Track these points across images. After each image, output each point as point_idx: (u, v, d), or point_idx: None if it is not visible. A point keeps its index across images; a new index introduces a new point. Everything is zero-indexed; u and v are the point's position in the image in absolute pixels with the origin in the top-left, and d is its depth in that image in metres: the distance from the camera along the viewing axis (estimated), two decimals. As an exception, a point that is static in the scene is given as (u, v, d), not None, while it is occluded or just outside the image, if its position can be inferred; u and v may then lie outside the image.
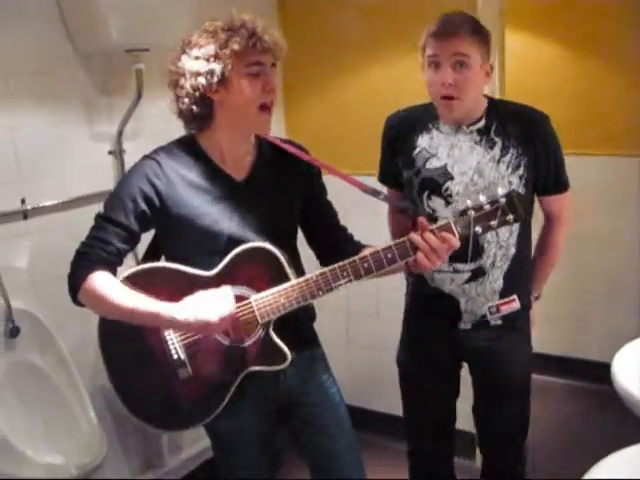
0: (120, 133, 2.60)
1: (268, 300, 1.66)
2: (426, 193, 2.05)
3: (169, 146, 1.76)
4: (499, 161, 1.98)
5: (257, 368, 1.71)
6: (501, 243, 2.03)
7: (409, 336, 2.26)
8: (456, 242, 1.62)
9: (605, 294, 3.80)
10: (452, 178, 2.01)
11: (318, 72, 3.28)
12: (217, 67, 1.61)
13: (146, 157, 1.73)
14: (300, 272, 1.79)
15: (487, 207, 1.62)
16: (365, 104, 3.17)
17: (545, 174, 2.02)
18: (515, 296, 2.07)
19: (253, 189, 1.76)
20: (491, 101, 2.05)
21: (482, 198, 1.63)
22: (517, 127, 1.98)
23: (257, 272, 1.69)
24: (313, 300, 1.68)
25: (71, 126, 2.49)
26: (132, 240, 1.70)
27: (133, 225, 1.67)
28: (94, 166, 2.55)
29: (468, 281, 2.05)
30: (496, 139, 1.99)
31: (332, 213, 1.94)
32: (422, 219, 1.66)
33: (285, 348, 1.69)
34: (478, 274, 2.04)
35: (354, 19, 3.13)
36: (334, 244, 1.88)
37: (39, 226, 2.36)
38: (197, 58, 1.63)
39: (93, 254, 1.64)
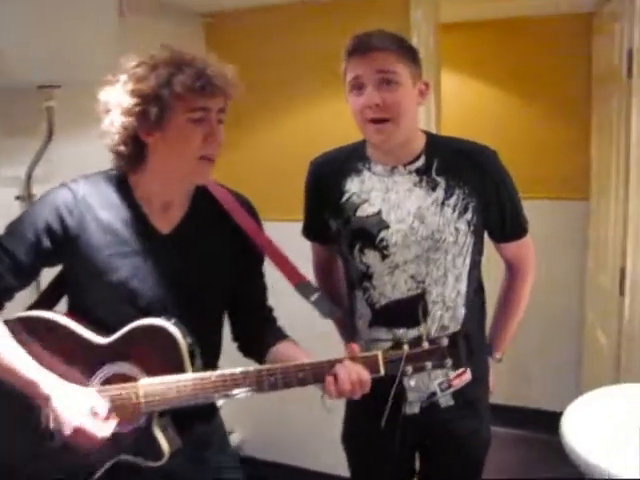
0: (29, 177, 2.40)
1: (156, 389, 1.43)
2: (358, 246, 1.77)
3: (94, 177, 1.54)
4: (443, 204, 1.72)
5: (129, 458, 1.48)
6: (448, 304, 1.76)
7: (349, 423, 1.98)
8: (366, 381, 1.42)
9: (545, 341, 3.74)
10: (388, 227, 1.74)
11: (247, 111, 3.12)
12: (153, 108, 1.41)
13: (63, 186, 1.51)
14: (214, 357, 1.63)
15: (425, 345, 1.44)
16: (295, 146, 3.05)
17: (499, 218, 1.78)
18: (467, 368, 1.78)
19: (177, 247, 1.55)
20: (430, 136, 1.81)
21: (421, 329, 1.47)
22: (462, 164, 1.74)
23: (153, 353, 1.46)
24: (206, 402, 1.46)
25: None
26: (28, 276, 1.50)
27: (31, 261, 1.46)
28: (1, 212, 2.29)
29: None
30: (438, 179, 1.73)
31: (260, 289, 1.71)
32: (353, 347, 1.46)
33: (165, 445, 1.46)
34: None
35: (280, 60, 3.03)
36: (252, 328, 1.68)
37: None
38: (132, 93, 1.42)
39: None
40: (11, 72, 2.13)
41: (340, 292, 1.94)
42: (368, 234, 1.75)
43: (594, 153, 3.28)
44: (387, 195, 1.75)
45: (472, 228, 1.75)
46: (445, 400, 1.79)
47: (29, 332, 1.46)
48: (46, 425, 1.43)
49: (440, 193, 1.73)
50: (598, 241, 3.17)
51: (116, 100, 1.43)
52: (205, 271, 1.57)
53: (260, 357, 1.62)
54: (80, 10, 2.23)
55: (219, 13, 3.07)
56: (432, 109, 2.88)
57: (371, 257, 1.76)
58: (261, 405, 3.14)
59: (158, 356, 1.46)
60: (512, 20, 3.50)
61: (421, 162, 1.75)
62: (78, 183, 1.51)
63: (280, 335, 1.66)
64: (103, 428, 1.37)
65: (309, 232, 1.99)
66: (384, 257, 1.74)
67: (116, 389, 1.44)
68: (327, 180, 1.84)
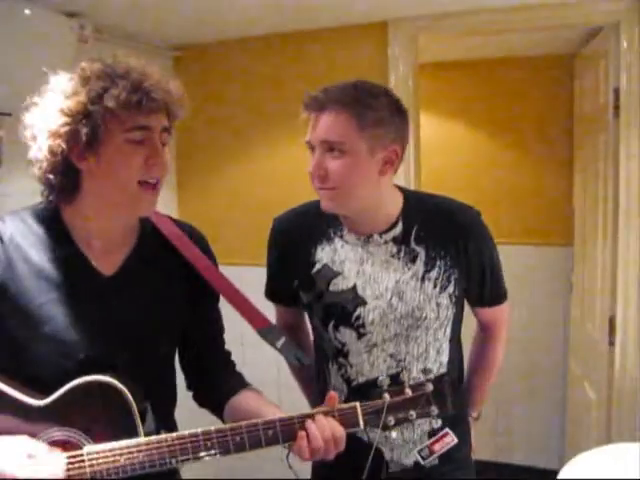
0: (-26, 212, 2.16)
1: (105, 457, 1.23)
2: (332, 323, 1.60)
3: (22, 214, 1.34)
4: (423, 279, 1.55)
5: None
6: (429, 377, 1.56)
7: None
8: (341, 437, 1.26)
9: (529, 395, 3.57)
10: (365, 303, 1.57)
11: (218, 147, 3.00)
12: (84, 128, 1.21)
13: None
14: (168, 409, 1.46)
15: (408, 392, 1.30)
16: (268, 187, 2.94)
17: (480, 286, 1.64)
18: (447, 429, 1.63)
19: (123, 289, 1.36)
20: (407, 197, 1.61)
21: (402, 375, 1.34)
22: (444, 229, 1.57)
23: (99, 414, 1.26)
24: (162, 468, 1.25)
25: None
26: None
27: None
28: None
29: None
30: (418, 249, 1.56)
31: (215, 331, 1.53)
32: (332, 395, 1.30)
33: None
34: None
35: (254, 93, 2.94)
36: (208, 375, 1.50)
37: None
38: (60, 112, 1.22)
39: None
40: None
41: (309, 352, 1.77)
42: (343, 311, 1.59)
43: (577, 197, 3.17)
44: (362, 267, 1.58)
45: (454, 300, 1.60)
46: (428, 461, 1.63)
47: None
48: None
49: (420, 266, 1.57)
50: (583, 288, 3.03)
51: (43, 122, 1.24)
52: (154, 315, 1.39)
53: (218, 408, 1.45)
54: (35, 32, 2.08)
55: (188, 46, 2.96)
56: (411, 153, 2.76)
57: (347, 335, 1.60)
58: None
59: (104, 418, 1.27)
60: (493, 61, 3.43)
61: (398, 230, 1.57)
62: (5, 222, 1.31)
63: (240, 383, 1.48)
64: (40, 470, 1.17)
65: (274, 296, 1.79)
66: (360, 335, 1.59)
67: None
68: (294, 245, 1.66)
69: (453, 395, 1.32)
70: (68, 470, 1.22)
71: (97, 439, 1.25)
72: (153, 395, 1.33)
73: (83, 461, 1.22)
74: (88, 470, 1.22)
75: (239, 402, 1.42)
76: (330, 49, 2.78)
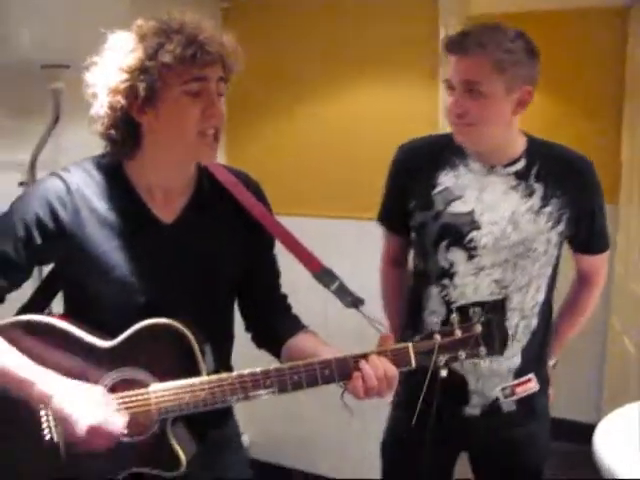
0: (33, 162, 2.24)
1: (169, 394, 1.31)
2: (445, 242, 1.70)
3: (86, 165, 1.39)
4: (538, 212, 1.66)
5: (144, 470, 1.35)
6: (525, 313, 1.71)
7: (398, 422, 1.88)
8: (393, 376, 1.31)
9: (568, 349, 3.57)
10: (479, 227, 1.67)
11: (269, 98, 3.02)
12: (142, 83, 1.26)
13: (54, 175, 1.37)
14: (227, 351, 1.52)
15: (458, 333, 1.34)
16: (320, 137, 2.95)
17: (588, 232, 1.73)
18: (532, 375, 1.74)
19: (182, 236, 1.41)
20: (531, 140, 1.72)
21: (454, 316, 1.34)
22: (563, 172, 1.67)
23: (162, 355, 1.35)
24: (224, 405, 1.34)
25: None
26: (19, 275, 1.36)
27: (22, 259, 1.32)
28: (2, 199, 2.16)
29: None
30: (536, 185, 1.66)
31: (272, 275, 1.59)
32: (387, 336, 1.36)
33: (181, 454, 1.34)
34: None
35: (312, 47, 2.91)
36: (266, 318, 1.55)
37: None
38: (119, 70, 1.27)
39: None
40: (16, 50, 2.00)
41: (405, 285, 1.90)
42: (457, 232, 1.69)
43: (626, 156, 3.13)
44: (482, 195, 1.68)
45: (561, 239, 1.70)
46: (507, 405, 1.75)
47: (23, 338, 1.33)
48: (47, 433, 1.31)
49: (536, 201, 1.66)
50: (628, 247, 3.02)
51: (103, 79, 1.29)
52: (213, 260, 1.45)
53: (276, 349, 1.51)
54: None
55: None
56: None
57: (457, 256, 1.69)
58: (268, 406, 3.05)
59: (168, 358, 1.34)
60: (544, 14, 3.34)
61: (521, 165, 1.68)
62: (71, 172, 1.37)
63: (297, 325, 1.53)
64: (117, 423, 1.24)
65: (386, 220, 1.91)
66: (471, 257, 1.68)
67: (125, 397, 1.31)
68: (418, 168, 1.76)
69: (502, 336, 1.37)
70: (134, 407, 1.30)
71: (161, 378, 1.32)
72: (213, 337, 1.39)
73: (149, 398, 1.30)
74: (154, 407, 1.30)
75: (296, 343, 1.47)
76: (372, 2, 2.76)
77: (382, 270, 1.98)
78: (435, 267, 1.72)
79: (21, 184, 2.24)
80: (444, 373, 1.43)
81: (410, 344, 1.33)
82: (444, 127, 2.72)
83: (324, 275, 1.51)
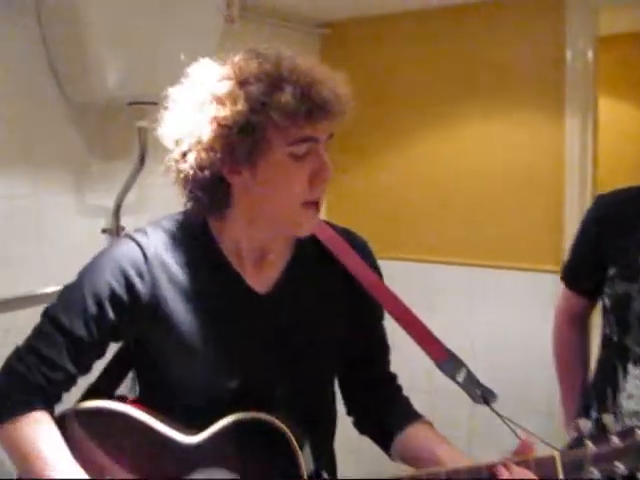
0: (118, 207, 2.10)
1: None
2: None
3: (165, 225, 1.18)
4: None
5: None
6: None
7: None
8: None
9: None
10: None
11: (369, 134, 2.79)
12: (244, 141, 1.02)
13: (128, 238, 1.16)
14: (328, 438, 1.30)
15: (615, 441, 1.04)
16: (424, 175, 2.74)
17: None
18: None
19: (279, 309, 1.19)
20: None
21: (605, 417, 1.06)
22: None
23: (255, 454, 1.12)
24: None
25: (55, 197, 2.00)
26: (90, 358, 1.16)
27: (95, 339, 1.12)
28: (83, 248, 2.01)
29: None
30: None
31: (380, 352, 1.35)
32: (528, 443, 1.08)
33: None
34: None
35: (416, 76, 2.71)
36: (372, 401, 1.32)
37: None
38: (214, 121, 1.03)
39: (32, 381, 1.10)
40: (105, 86, 1.87)
41: (586, 353, 1.62)
42: None
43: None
44: None
45: None
46: None
47: (91, 427, 1.13)
48: None
49: None
50: None
51: (191, 128, 1.05)
52: (314, 337, 1.21)
53: (384, 442, 1.28)
54: (180, 14, 1.93)
55: (337, 23, 2.76)
56: (589, 139, 2.48)
57: None
58: None
59: (262, 458, 1.12)
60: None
61: None
62: (147, 235, 1.16)
63: (409, 414, 1.28)
64: None
65: (571, 280, 1.65)
66: None
67: None
68: (621, 229, 1.49)
69: None
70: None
71: None
72: (313, 429, 1.17)
73: None
74: None
75: (409, 439, 1.24)
76: (501, 18, 2.51)
77: (557, 329, 1.71)
78: (638, 344, 1.43)
79: (104, 231, 2.11)
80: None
81: (557, 453, 1.06)
82: (571, 161, 2.48)
83: (449, 363, 1.23)
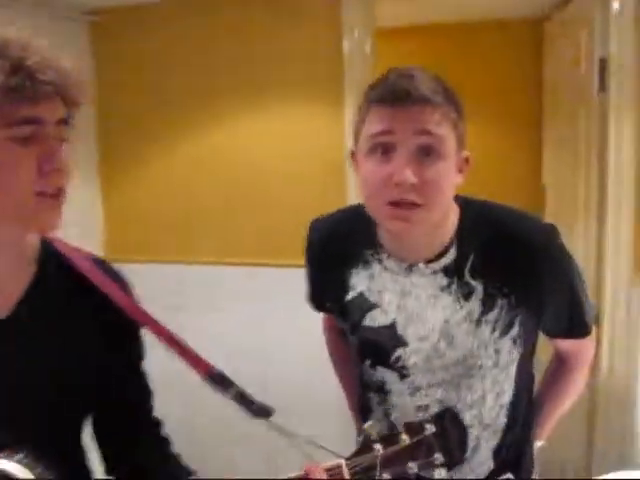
0: None
1: None
2: (369, 361, 1.34)
3: None
4: (479, 321, 1.25)
5: None
6: (486, 422, 1.32)
7: None
8: None
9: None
10: (405, 344, 1.29)
11: (150, 130, 2.61)
12: None
13: None
14: None
15: (404, 439, 1.00)
16: (201, 170, 2.61)
17: (557, 320, 1.32)
18: (509, 474, 1.36)
19: (19, 336, 1.02)
20: (464, 209, 1.28)
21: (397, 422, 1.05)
22: (508, 261, 1.23)
23: None
24: None
25: None
26: None
27: None
28: None
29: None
30: (474, 284, 1.24)
31: (140, 393, 1.19)
32: (312, 469, 1.00)
33: None
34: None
35: (190, 69, 2.56)
36: (132, 457, 1.16)
37: None
38: None
39: None
40: None
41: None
42: (380, 350, 1.31)
43: (548, 174, 2.92)
44: (403, 301, 1.29)
45: (519, 341, 1.29)
46: None
47: None
48: None
49: (476, 305, 1.24)
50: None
51: None
52: (60, 368, 1.05)
53: None
54: None
55: (108, 10, 2.53)
56: None
57: (387, 375, 1.33)
58: None
59: None
60: (455, 26, 3.10)
61: (450, 257, 1.25)
62: None
63: (177, 471, 1.15)
64: None
65: (317, 303, 1.50)
66: (403, 377, 1.31)
67: None
68: (327, 264, 1.38)
69: (461, 436, 1.05)
70: None
71: None
72: (59, 470, 0.98)
73: None
74: None
75: None
76: (278, 11, 2.43)
77: (326, 338, 1.62)
78: (369, 380, 1.37)
79: None
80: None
81: (343, 461, 1.00)
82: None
83: (216, 379, 1.11)
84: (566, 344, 1.41)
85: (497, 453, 1.36)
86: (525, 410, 1.41)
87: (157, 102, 2.58)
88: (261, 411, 1.12)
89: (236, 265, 2.59)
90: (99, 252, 2.69)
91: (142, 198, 2.66)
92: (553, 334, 1.38)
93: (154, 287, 2.58)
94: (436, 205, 1.17)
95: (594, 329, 1.40)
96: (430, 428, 1.01)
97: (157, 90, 2.57)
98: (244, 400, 1.12)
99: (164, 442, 1.20)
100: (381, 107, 1.15)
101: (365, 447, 1.01)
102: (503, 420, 1.35)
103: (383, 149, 1.15)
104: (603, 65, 2.19)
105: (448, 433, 1.02)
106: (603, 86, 2.20)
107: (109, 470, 1.17)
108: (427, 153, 1.14)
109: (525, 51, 2.99)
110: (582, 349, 1.42)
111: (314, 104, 2.47)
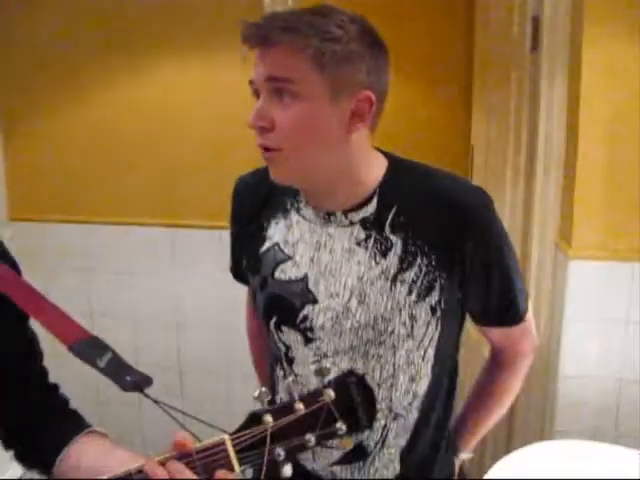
0: None
1: None
2: (274, 320, 1.24)
3: None
4: (395, 279, 1.15)
5: None
6: (397, 410, 1.21)
7: None
8: None
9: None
10: (315, 301, 1.19)
11: (50, 85, 2.47)
12: None
13: None
14: None
15: (299, 408, 0.87)
16: (108, 126, 2.51)
17: (484, 298, 1.22)
18: None
19: None
20: (393, 166, 1.20)
21: (294, 388, 0.88)
22: (433, 217, 1.15)
23: None
24: None
25: None
26: None
27: None
28: None
29: (340, 462, 1.25)
30: (393, 238, 1.16)
31: (30, 353, 1.13)
32: (181, 441, 0.88)
33: None
34: (357, 455, 1.24)
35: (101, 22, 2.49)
36: (28, 423, 1.09)
37: None
38: None
39: None
40: None
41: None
42: (288, 306, 1.22)
43: (477, 141, 2.83)
44: (318, 254, 1.20)
45: (439, 314, 1.18)
46: None
47: None
48: None
49: (393, 262, 1.15)
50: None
51: None
52: None
53: (49, 467, 1.06)
54: None
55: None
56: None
57: (291, 337, 1.24)
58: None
59: None
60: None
61: (370, 209, 1.17)
62: None
63: (76, 427, 1.09)
64: None
65: (235, 275, 1.43)
66: (308, 341, 1.22)
67: None
68: (249, 214, 1.31)
69: (368, 401, 0.91)
70: None
71: None
72: None
73: None
74: None
75: (76, 458, 1.04)
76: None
77: (246, 324, 1.55)
78: (275, 348, 1.28)
79: None
80: (287, 473, 0.91)
81: (227, 437, 0.87)
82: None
83: (85, 347, 0.99)
84: (496, 334, 1.31)
85: (405, 455, 1.25)
86: (442, 413, 1.30)
87: (55, 58, 2.45)
88: (135, 383, 0.98)
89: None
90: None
91: (48, 153, 2.51)
92: (482, 320, 1.28)
93: (63, 247, 2.47)
94: (298, 148, 1.09)
95: (532, 323, 1.30)
96: (329, 394, 0.87)
97: (54, 45, 2.45)
98: (121, 369, 1.00)
99: (63, 402, 1.15)
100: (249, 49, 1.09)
101: (253, 420, 0.88)
102: (415, 414, 1.24)
103: (256, 96, 1.11)
104: (536, 24, 2.11)
105: (352, 398, 0.88)
106: (536, 44, 2.12)
107: (8, 446, 1.10)
108: (280, 97, 1.07)
109: (457, 13, 2.88)
110: (514, 342, 1.32)
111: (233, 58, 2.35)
